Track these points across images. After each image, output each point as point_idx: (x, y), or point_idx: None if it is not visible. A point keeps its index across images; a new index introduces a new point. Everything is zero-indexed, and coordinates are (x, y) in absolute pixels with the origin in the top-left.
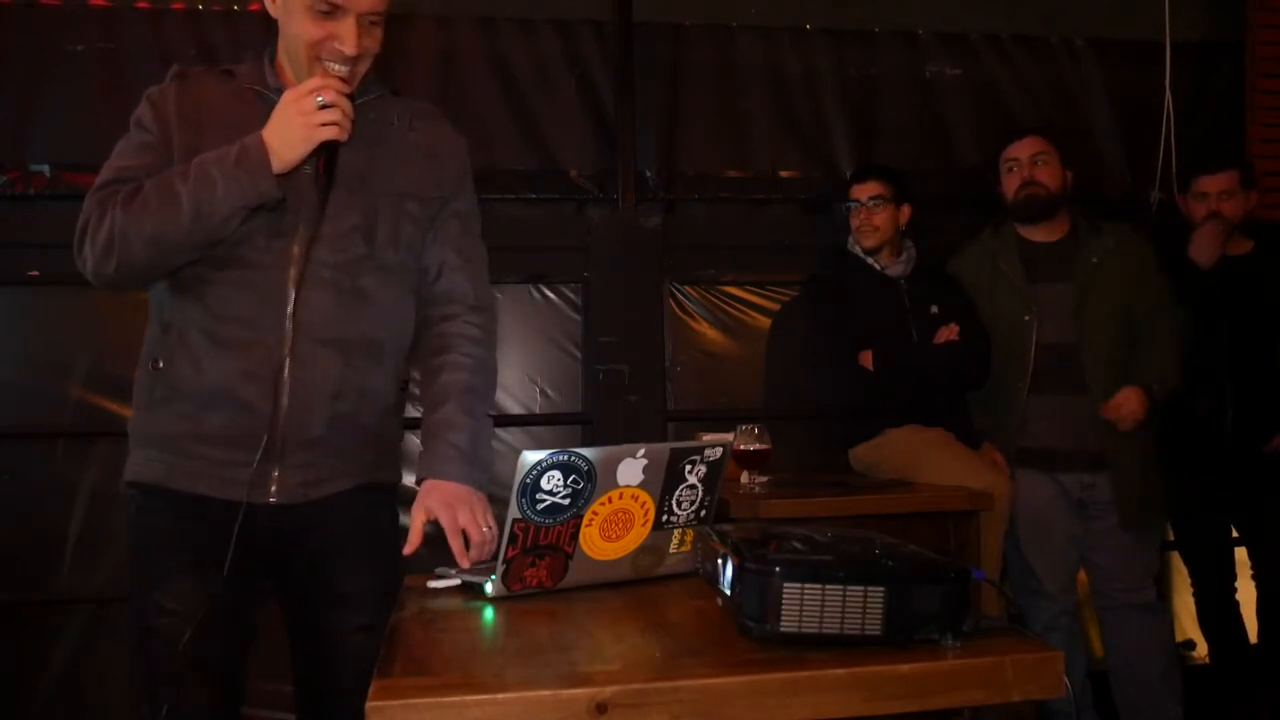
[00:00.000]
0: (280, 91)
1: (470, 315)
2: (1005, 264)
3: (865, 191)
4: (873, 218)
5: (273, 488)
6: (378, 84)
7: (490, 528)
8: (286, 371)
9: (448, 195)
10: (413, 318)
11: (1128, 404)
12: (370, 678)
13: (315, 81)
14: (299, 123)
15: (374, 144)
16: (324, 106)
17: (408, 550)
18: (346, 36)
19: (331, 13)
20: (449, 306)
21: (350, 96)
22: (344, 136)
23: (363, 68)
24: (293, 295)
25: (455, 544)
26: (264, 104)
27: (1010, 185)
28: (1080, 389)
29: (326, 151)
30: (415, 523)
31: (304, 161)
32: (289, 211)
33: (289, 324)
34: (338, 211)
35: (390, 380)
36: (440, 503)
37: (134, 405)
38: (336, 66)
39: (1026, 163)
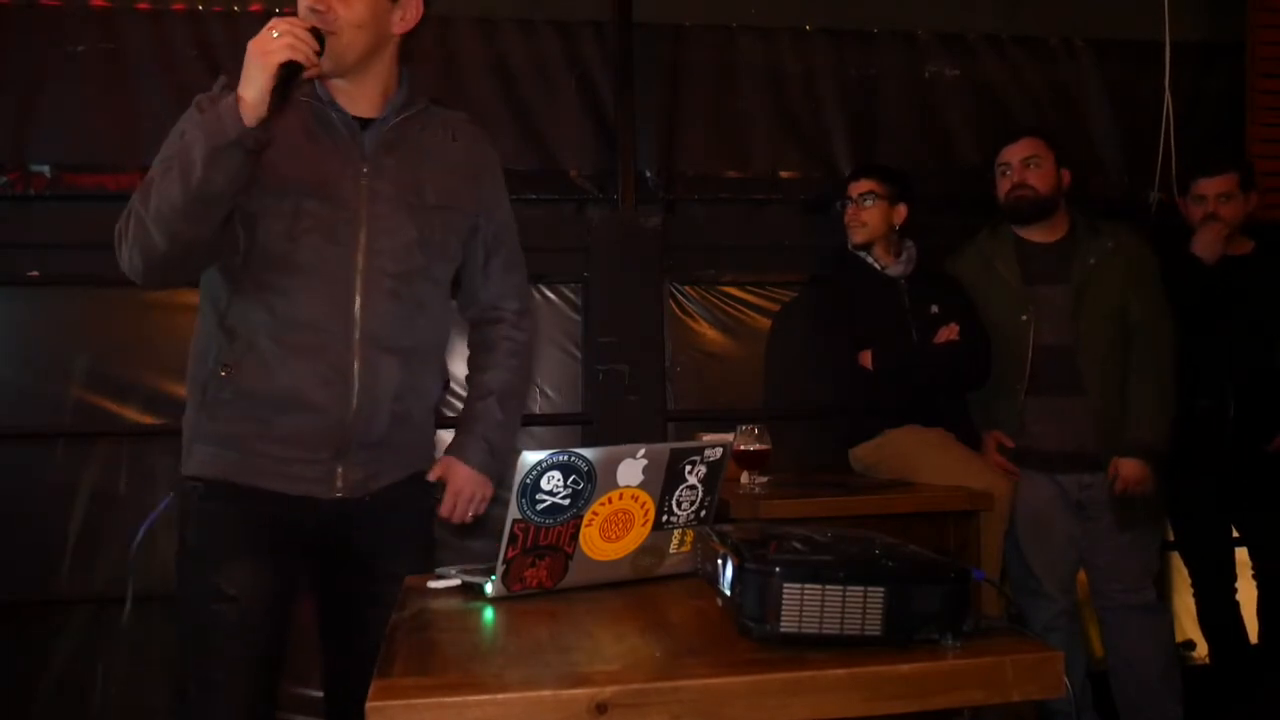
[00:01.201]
0: (325, 95)
1: (516, 319)
2: (1002, 265)
3: (858, 188)
4: (860, 214)
5: (338, 483)
6: (419, 96)
7: (478, 513)
8: (356, 377)
9: (487, 206)
10: (450, 322)
11: (1129, 475)
12: None
13: (271, 22)
14: (254, 54)
15: (423, 158)
16: (277, 36)
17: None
18: None
19: None
20: (495, 311)
21: (318, 39)
22: (299, 58)
23: (347, 39)
24: (358, 304)
25: (448, 509)
26: (308, 110)
27: (1002, 188)
28: (1077, 390)
29: (285, 73)
30: (431, 477)
31: (273, 93)
32: (348, 222)
33: (356, 331)
34: (398, 224)
35: (437, 380)
36: (458, 478)
37: (192, 404)
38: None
39: (1018, 166)
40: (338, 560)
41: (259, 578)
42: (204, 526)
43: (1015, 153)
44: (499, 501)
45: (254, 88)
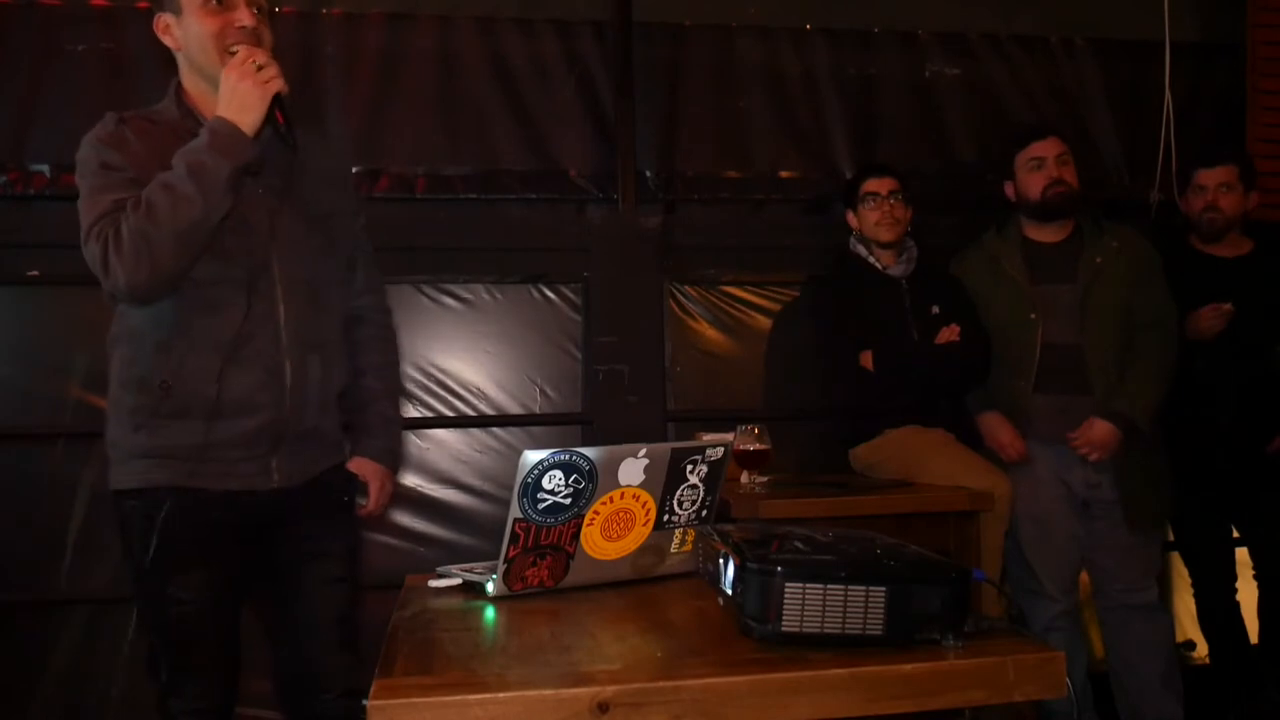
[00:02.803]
0: (201, 117)
1: (381, 318)
2: (1009, 264)
3: (885, 185)
4: (895, 210)
5: (274, 475)
6: (275, 137)
7: (386, 503)
8: (288, 376)
9: (356, 209)
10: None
11: (1096, 436)
12: (349, 623)
13: (243, 53)
14: (247, 86)
15: (304, 169)
16: (260, 68)
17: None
18: (242, 13)
19: (222, 1)
20: (364, 311)
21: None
22: (286, 88)
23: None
24: (283, 310)
25: (374, 505)
26: (189, 133)
27: (1035, 183)
28: (1084, 389)
29: (278, 103)
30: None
31: (264, 121)
32: (271, 236)
33: (284, 334)
34: (304, 234)
35: (343, 374)
36: (377, 478)
37: (125, 424)
38: (244, 49)
39: (1053, 162)
40: (274, 541)
41: (210, 579)
42: (147, 538)
43: (1049, 148)
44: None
45: (254, 114)
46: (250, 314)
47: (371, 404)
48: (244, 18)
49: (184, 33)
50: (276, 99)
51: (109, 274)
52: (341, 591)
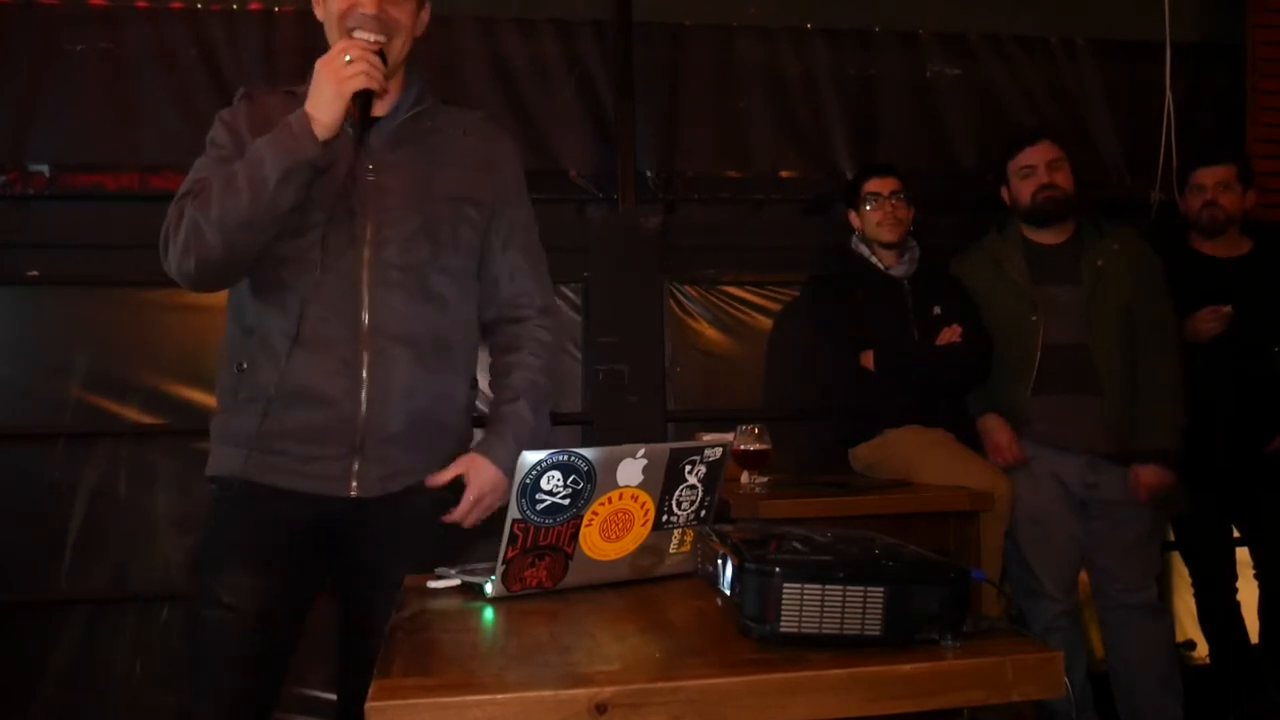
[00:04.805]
0: None
1: (540, 318)
2: (1010, 265)
3: (888, 185)
4: (898, 210)
5: (354, 482)
6: (429, 94)
7: (487, 518)
8: (365, 369)
9: (503, 199)
10: (476, 319)
11: (1150, 481)
12: None
13: (340, 44)
14: (329, 80)
15: (431, 151)
16: (350, 62)
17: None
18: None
19: None
20: (520, 310)
21: (381, 57)
22: (374, 85)
23: (399, 44)
24: (366, 296)
25: (464, 511)
26: None
27: (1026, 190)
28: (1091, 390)
29: (362, 100)
30: (448, 474)
31: (345, 117)
32: (356, 216)
33: (365, 323)
34: (403, 216)
35: (462, 379)
36: (482, 479)
37: (219, 406)
38: (365, 34)
39: (1044, 168)
40: (348, 563)
41: (258, 586)
42: (214, 530)
43: (1039, 154)
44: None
45: (329, 111)
46: (328, 296)
47: (508, 404)
48: (367, 3)
49: (325, 8)
50: (361, 96)
51: (165, 257)
52: None
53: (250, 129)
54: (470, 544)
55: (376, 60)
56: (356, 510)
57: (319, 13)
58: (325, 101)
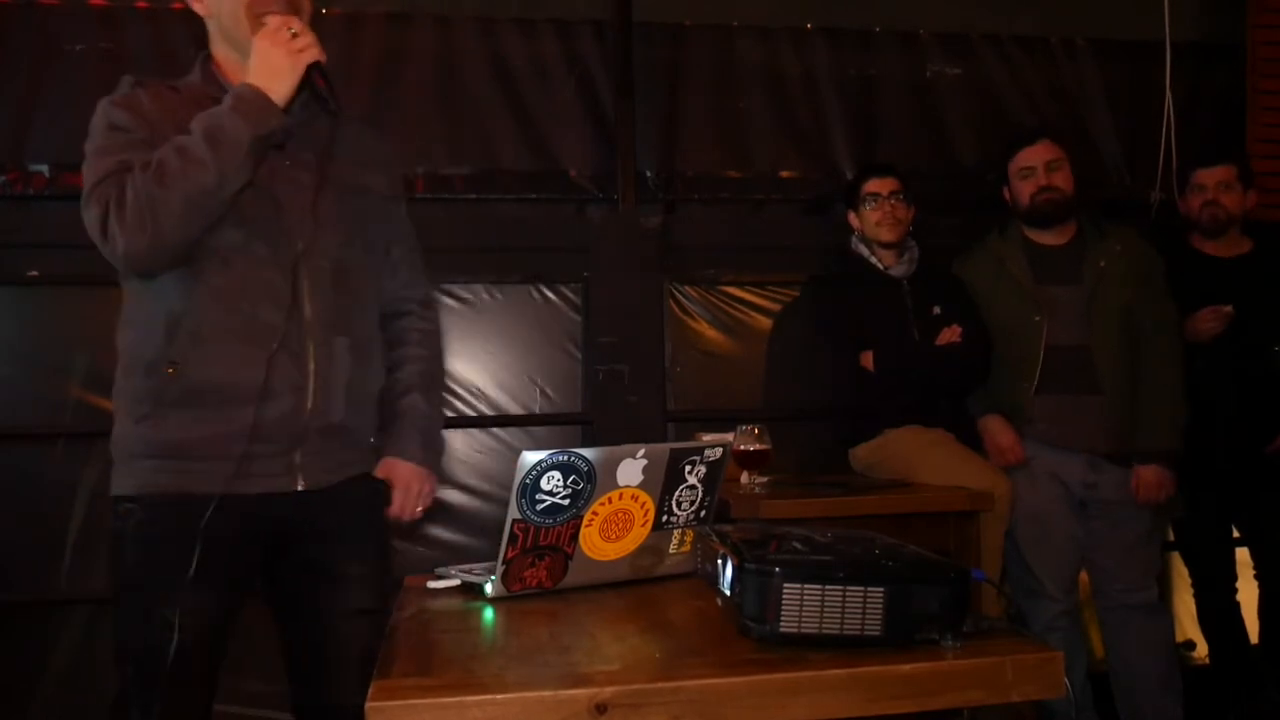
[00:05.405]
0: (228, 86)
1: (424, 311)
2: (1013, 265)
3: (887, 185)
4: (897, 210)
5: (298, 475)
6: (316, 103)
7: (425, 507)
8: (311, 362)
9: (393, 196)
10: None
11: (1152, 481)
12: (370, 661)
13: (277, 20)
14: (280, 54)
15: (336, 144)
16: (294, 35)
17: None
18: None
19: None
20: (403, 304)
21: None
22: (323, 57)
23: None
24: (308, 287)
25: (399, 507)
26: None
27: (1025, 190)
28: (1092, 390)
29: (318, 71)
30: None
31: (295, 92)
32: (284, 208)
33: (308, 315)
34: (332, 213)
35: (380, 372)
36: (403, 476)
37: (129, 417)
38: (276, 18)
39: (1042, 169)
40: (294, 552)
41: (201, 608)
42: (143, 553)
43: (1038, 155)
44: (501, 502)
45: (285, 83)
46: (270, 291)
47: (404, 397)
48: None
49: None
50: (316, 68)
51: (107, 238)
52: (363, 626)
53: (153, 115)
54: (415, 527)
55: (314, 35)
56: (301, 505)
57: (200, 7)
58: (280, 72)
